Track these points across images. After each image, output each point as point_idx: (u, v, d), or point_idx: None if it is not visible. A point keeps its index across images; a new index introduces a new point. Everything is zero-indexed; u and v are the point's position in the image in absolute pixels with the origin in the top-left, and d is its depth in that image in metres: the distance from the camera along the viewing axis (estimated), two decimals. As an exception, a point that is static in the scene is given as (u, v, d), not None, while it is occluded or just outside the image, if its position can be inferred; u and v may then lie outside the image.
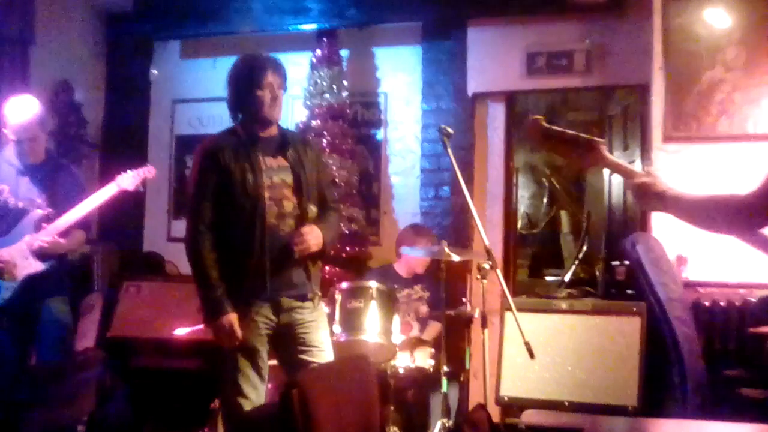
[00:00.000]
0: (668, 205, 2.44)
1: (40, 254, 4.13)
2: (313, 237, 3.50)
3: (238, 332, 3.40)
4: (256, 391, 3.46)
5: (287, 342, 3.55)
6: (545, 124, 2.46)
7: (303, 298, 3.56)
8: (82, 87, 6.61)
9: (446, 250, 4.34)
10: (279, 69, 3.61)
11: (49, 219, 4.15)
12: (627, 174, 2.53)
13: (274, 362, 3.66)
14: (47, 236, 4.12)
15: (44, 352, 4.21)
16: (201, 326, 4.28)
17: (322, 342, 3.59)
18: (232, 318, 3.41)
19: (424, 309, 5.23)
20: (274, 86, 3.56)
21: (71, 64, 6.60)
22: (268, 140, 3.60)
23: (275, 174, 3.53)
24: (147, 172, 4.40)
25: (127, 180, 4.30)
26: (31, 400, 3.63)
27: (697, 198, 2.56)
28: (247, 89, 3.54)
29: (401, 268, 5.34)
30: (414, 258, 5.25)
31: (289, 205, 3.54)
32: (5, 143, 4.31)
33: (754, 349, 4.09)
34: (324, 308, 3.78)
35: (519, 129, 6.47)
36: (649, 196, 2.44)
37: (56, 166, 4.41)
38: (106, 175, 6.55)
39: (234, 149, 3.50)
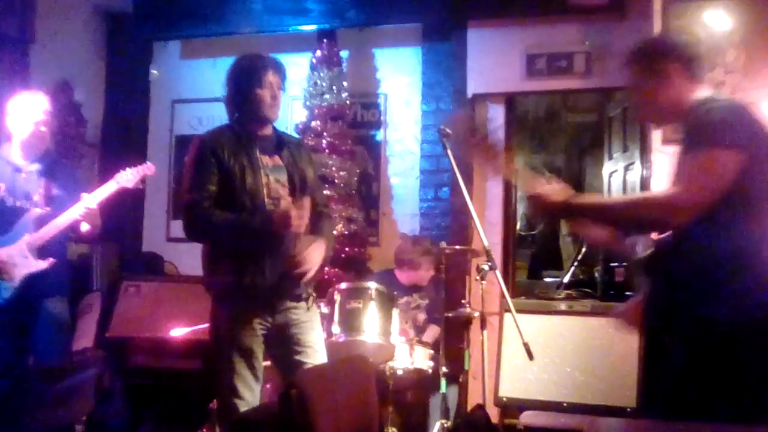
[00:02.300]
0: (578, 210, 2.45)
1: (41, 253, 4.12)
2: (313, 259, 3.48)
3: (294, 211, 3.33)
4: (251, 392, 3.46)
5: (282, 342, 3.55)
6: (471, 122, 2.49)
7: (298, 298, 3.56)
8: (81, 87, 6.61)
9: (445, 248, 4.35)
10: (280, 69, 3.62)
11: (47, 218, 4.14)
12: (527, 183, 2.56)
13: (268, 363, 3.66)
14: (46, 235, 4.11)
15: (43, 352, 4.20)
16: (200, 326, 4.30)
17: (316, 342, 3.59)
18: (281, 208, 3.38)
19: (421, 317, 5.22)
20: (275, 86, 3.56)
21: (71, 64, 6.60)
22: (265, 139, 3.61)
23: (272, 173, 3.53)
24: (146, 169, 4.39)
25: (127, 177, 4.30)
26: (30, 400, 3.63)
27: (616, 200, 2.60)
28: (248, 88, 3.54)
29: (403, 277, 5.31)
30: (416, 273, 5.23)
31: (286, 204, 3.52)
32: (3, 141, 4.30)
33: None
34: (321, 309, 3.77)
35: (519, 130, 6.47)
36: (550, 205, 2.45)
37: (56, 164, 4.40)
38: (105, 175, 6.57)
39: (232, 146, 3.49)
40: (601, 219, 2.60)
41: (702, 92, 2.66)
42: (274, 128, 3.71)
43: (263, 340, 3.51)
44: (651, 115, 2.80)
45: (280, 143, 3.65)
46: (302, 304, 3.58)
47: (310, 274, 3.49)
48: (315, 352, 3.57)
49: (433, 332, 5.10)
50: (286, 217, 3.34)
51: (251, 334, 3.46)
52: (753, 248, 2.43)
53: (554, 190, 2.50)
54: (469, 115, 2.50)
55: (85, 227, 4.19)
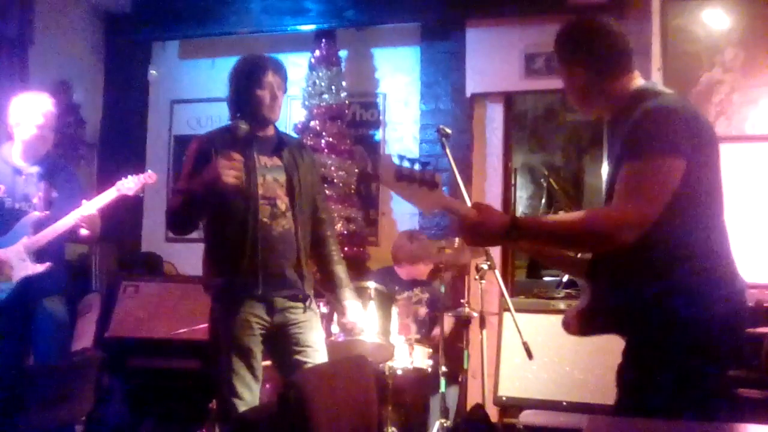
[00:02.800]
0: (523, 233, 2.36)
1: (38, 256, 4.12)
2: (358, 313, 3.78)
3: (229, 162, 3.30)
4: (250, 392, 3.46)
5: (281, 342, 3.55)
6: (396, 162, 2.31)
7: (295, 298, 3.57)
8: (80, 87, 6.61)
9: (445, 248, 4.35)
10: (280, 70, 3.63)
11: (46, 221, 4.13)
12: (459, 213, 2.43)
13: (268, 363, 3.67)
14: (44, 239, 4.10)
15: (42, 352, 4.20)
16: (199, 327, 4.30)
17: (315, 342, 3.60)
18: (217, 161, 3.32)
19: (423, 311, 5.23)
20: (274, 86, 3.57)
21: (70, 65, 6.60)
22: (265, 140, 3.62)
23: (269, 173, 3.54)
24: (148, 177, 4.35)
25: (128, 185, 4.27)
26: (29, 400, 3.62)
27: (561, 218, 2.52)
28: (247, 88, 3.55)
29: (402, 272, 5.33)
30: (415, 268, 5.25)
31: (282, 204, 3.55)
32: (3, 141, 4.29)
33: (752, 350, 4.08)
34: (320, 308, 3.79)
35: (518, 129, 6.47)
36: (490, 231, 2.35)
37: (56, 167, 4.39)
38: (104, 175, 6.60)
39: (228, 146, 3.50)
40: (547, 239, 2.46)
41: (637, 83, 2.53)
42: (276, 129, 3.72)
43: (262, 339, 3.51)
44: (581, 109, 2.68)
45: (280, 144, 3.66)
46: (300, 303, 3.59)
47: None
48: (315, 352, 3.57)
49: (433, 331, 5.10)
50: (213, 168, 3.30)
51: (249, 333, 3.47)
52: (702, 248, 2.36)
53: (497, 213, 2.41)
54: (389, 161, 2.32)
55: (84, 232, 4.18)
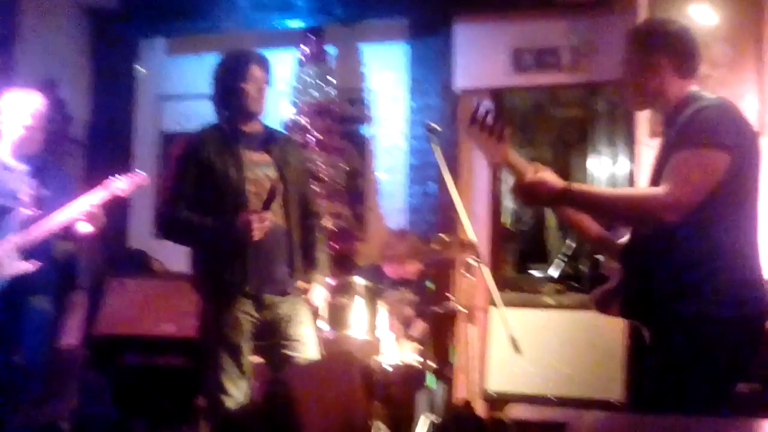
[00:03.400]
0: (573, 199, 2.50)
1: (27, 254, 4.09)
2: (319, 297, 3.75)
3: (256, 219, 3.38)
4: (238, 388, 3.46)
5: (270, 337, 3.55)
6: (475, 107, 2.53)
7: (284, 293, 3.57)
8: (67, 84, 6.58)
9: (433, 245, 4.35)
10: (264, 63, 3.63)
11: (34, 220, 4.11)
12: (521, 171, 2.58)
13: (257, 359, 3.67)
14: (33, 238, 4.07)
15: (28, 350, 4.17)
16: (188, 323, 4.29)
17: (304, 335, 3.59)
18: (243, 214, 3.40)
19: (408, 311, 5.22)
20: (260, 80, 3.57)
21: (56, 62, 6.56)
22: (252, 135, 3.61)
23: (258, 168, 3.54)
24: (141, 180, 4.32)
25: (120, 185, 4.24)
26: (16, 398, 3.62)
27: (612, 192, 2.64)
28: (233, 82, 3.55)
29: (389, 270, 5.33)
30: (402, 267, 5.25)
31: (274, 203, 3.52)
32: None
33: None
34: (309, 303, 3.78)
35: (505, 125, 6.46)
36: (547, 192, 2.49)
37: (47, 165, 4.36)
38: (91, 173, 6.57)
39: (216, 143, 3.50)
40: (595, 209, 2.64)
41: (692, 87, 2.69)
42: (263, 124, 3.71)
43: (251, 335, 3.51)
44: (636, 100, 2.82)
45: (268, 139, 3.66)
46: (289, 298, 3.59)
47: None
48: (303, 346, 3.57)
49: (420, 327, 5.10)
50: (248, 224, 3.36)
51: (238, 330, 3.46)
52: (734, 247, 2.47)
53: (554, 176, 2.54)
54: (471, 103, 2.56)
55: (88, 228, 4.14)
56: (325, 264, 3.80)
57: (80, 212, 4.05)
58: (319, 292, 3.73)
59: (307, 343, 3.59)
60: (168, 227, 3.57)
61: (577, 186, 2.52)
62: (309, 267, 3.71)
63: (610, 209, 2.55)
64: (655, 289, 2.51)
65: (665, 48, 2.70)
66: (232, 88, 3.56)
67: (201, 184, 3.48)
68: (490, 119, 2.56)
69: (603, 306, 2.76)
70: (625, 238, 2.71)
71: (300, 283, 3.66)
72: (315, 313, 3.75)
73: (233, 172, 3.46)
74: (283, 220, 3.57)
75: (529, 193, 2.53)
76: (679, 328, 2.43)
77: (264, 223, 3.40)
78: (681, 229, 2.41)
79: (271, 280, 3.53)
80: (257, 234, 3.37)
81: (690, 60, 2.71)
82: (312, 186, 4.45)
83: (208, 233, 3.44)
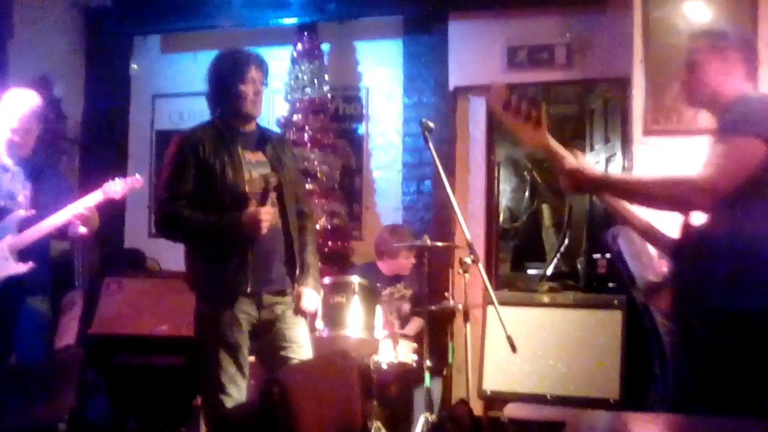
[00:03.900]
0: (611, 186, 2.54)
1: (22, 255, 4.08)
2: (313, 302, 3.68)
3: (263, 212, 3.38)
4: (237, 388, 3.44)
5: (267, 338, 3.54)
6: (508, 93, 2.52)
7: (282, 293, 3.56)
8: (61, 82, 6.56)
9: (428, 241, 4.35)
10: (262, 65, 3.61)
11: (32, 220, 4.09)
12: (560, 158, 2.60)
13: (253, 359, 3.66)
14: (28, 239, 4.06)
15: (24, 349, 4.16)
16: (185, 322, 4.27)
17: (301, 338, 3.59)
18: (249, 209, 3.39)
19: (406, 307, 5.23)
20: (257, 82, 3.56)
21: (50, 59, 6.55)
22: (248, 135, 3.60)
23: (254, 168, 3.52)
24: (135, 182, 4.31)
25: (115, 188, 4.22)
26: (12, 398, 3.60)
27: (649, 178, 2.67)
28: (230, 83, 3.53)
29: (384, 267, 5.34)
30: (396, 262, 5.26)
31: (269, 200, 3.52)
32: None
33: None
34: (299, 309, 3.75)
35: (500, 122, 6.47)
36: (586, 179, 2.55)
37: (43, 165, 4.35)
38: (85, 171, 6.56)
39: (213, 142, 3.48)
40: (632, 194, 2.69)
41: (748, 87, 2.75)
42: (257, 124, 3.71)
43: (249, 335, 3.50)
44: (696, 94, 2.84)
45: (263, 139, 3.65)
46: (287, 299, 3.58)
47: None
48: (300, 347, 3.57)
49: (415, 325, 5.11)
50: (255, 219, 3.35)
51: (238, 330, 3.45)
52: None
53: (590, 164, 2.56)
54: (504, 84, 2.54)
55: (81, 230, 4.13)
56: (315, 267, 3.75)
57: (75, 215, 4.04)
58: (309, 296, 3.66)
59: (304, 346, 3.59)
60: (170, 224, 3.51)
61: (614, 174, 2.57)
62: (300, 270, 3.66)
63: (645, 193, 2.60)
64: (707, 283, 2.54)
65: (744, 50, 2.77)
66: (229, 90, 3.54)
67: (199, 183, 3.46)
68: (525, 105, 2.53)
69: (652, 297, 2.79)
70: (675, 233, 2.75)
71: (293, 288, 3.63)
72: (306, 317, 3.71)
73: (230, 172, 3.45)
74: (279, 219, 3.56)
75: (571, 179, 2.57)
76: (731, 322, 2.45)
77: (270, 216, 3.40)
78: (733, 222, 2.46)
79: (269, 279, 3.51)
80: (265, 227, 3.36)
81: (755, 64, 2.79)
82: (305, 186, 4.43)
83: (214, 229, 3.42)
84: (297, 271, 3.64)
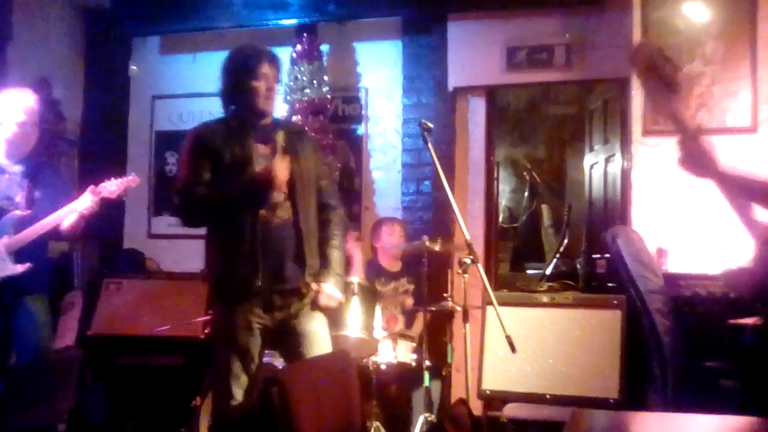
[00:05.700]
0: (725, 179, 2.51)
1: (19, 256, 4.07)
2: (333, 298, 3.60)
3: (275, 162, 3.35)
4: (245, 392, 3.42)
5: (285, 337, 3.50)
6: (655, 54, 2.48)
7: (294, 292, 3.51)
8: (60, 83, 6.57)
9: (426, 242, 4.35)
10: (275, 61, 3.59)
11: (28, 220, 4.08)
12: (685, 128, 2.55)
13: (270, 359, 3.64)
14: (25, 239, 4.05)
15: (23, 351, 4.16)
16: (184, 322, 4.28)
17: (314, 332, 3.53)
18: (258, 169, 3.38)
19: (409, 302, 5.24)
20: (270, 77, 3.53)
21: (49, 61, 6.55)
22: (261, 128, 3.56)
23: (266, 160, 3.45)
24: (131, 181, 4.30)
25: (110, 188, 4.22)
26: (11, 399, 3.60)
27: (750, 178, 2.67)
28: (243, 79, 3.51)
29: (384, 261, 5.37)
30: (383, 246, 5.32)
31: (280, 195, 3.47)
32: None
33: (734, 341, 4.11)
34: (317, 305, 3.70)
35: (500, 123, 6.49)
36: (699, 166, 2.51)
37: (40, 166, 4.34)
38: (85, 172, 6.56)
39: (225, 134, 3.47)
40: (741, 190, 2.62)
41: None
42: (273, 118, 3.68)
43: (261, 339, 3.46)
44: None
45: (277, 130, 3.57)
46: (302, 296, 3.53)
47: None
48: (312, 342, 3.50)
49: (421, 323, 5.10)
50: (267, 171, 3.33)
51: (248, 334, 3.41)
52: None
53: (713, 150, 2.54)
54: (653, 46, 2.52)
55: (66, 223, 4.12)
56: (338, 262, 3.66)
57: (72, 215, 4.04)
58: (329, 292, 3.57)
59: (317, 340, 3.52)
60: (189, 206, 3.48)
61: (730, 170, 2.54)
62: (321, 265, 3.59)
63: (752, 191, 2.57)
64: None
65: None
66: (242, 86, 3.51)
67: (213, 174, 3.45)
68: (669, 68, 2.50)
69: (734, 284, 2.75)
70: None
71: (312, 284, 3.54)
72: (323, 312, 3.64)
73: (242, 165, 3.42)
74: (290, 214, 3.50)
75: (691, 155, 2.53)
76: None
77: (282, 167, 3.36)
78: None
79: (280, 278, 3.46)
80: (281, 175, 3.34)
81: None
82: (330, 177, 4.34)
83: (230, 194, 3.39)
84: (317, 266, 3.58)
